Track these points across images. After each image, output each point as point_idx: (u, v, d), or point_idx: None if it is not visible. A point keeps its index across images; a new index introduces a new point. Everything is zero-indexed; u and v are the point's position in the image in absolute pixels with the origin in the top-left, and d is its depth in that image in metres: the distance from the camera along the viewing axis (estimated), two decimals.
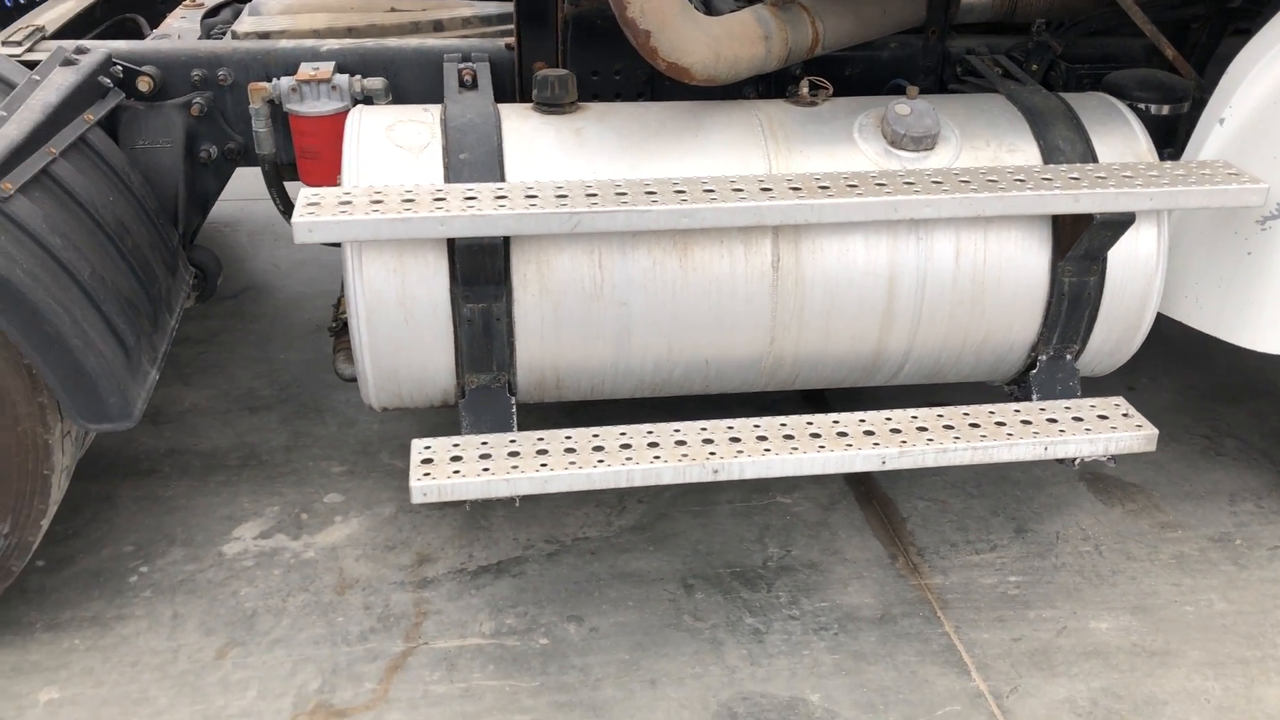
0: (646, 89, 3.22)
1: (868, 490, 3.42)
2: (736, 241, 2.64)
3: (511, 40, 3.18)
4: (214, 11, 3.70)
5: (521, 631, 2.86)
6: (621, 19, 2.60)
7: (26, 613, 2.86)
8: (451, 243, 2.54)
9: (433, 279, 2.57)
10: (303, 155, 3.07)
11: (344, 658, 2.76)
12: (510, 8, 3.49)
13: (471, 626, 2.87)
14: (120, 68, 2.96)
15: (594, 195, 2.47)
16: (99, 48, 2.94)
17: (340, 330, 3.18)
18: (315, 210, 2.37)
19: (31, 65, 2.83)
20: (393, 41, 3.17)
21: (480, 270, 2.52)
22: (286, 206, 3.23)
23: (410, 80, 3.13)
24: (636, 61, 3.17)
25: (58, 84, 2.68)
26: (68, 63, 2.81)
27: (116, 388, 2.42)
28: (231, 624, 2.86)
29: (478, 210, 2.39)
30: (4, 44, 2.97)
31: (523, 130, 2.71)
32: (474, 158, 2.61)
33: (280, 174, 3.15)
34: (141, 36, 3.84)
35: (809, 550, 3.16)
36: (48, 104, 2.57)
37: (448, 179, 2.58)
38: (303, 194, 2.45)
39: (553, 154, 2.67)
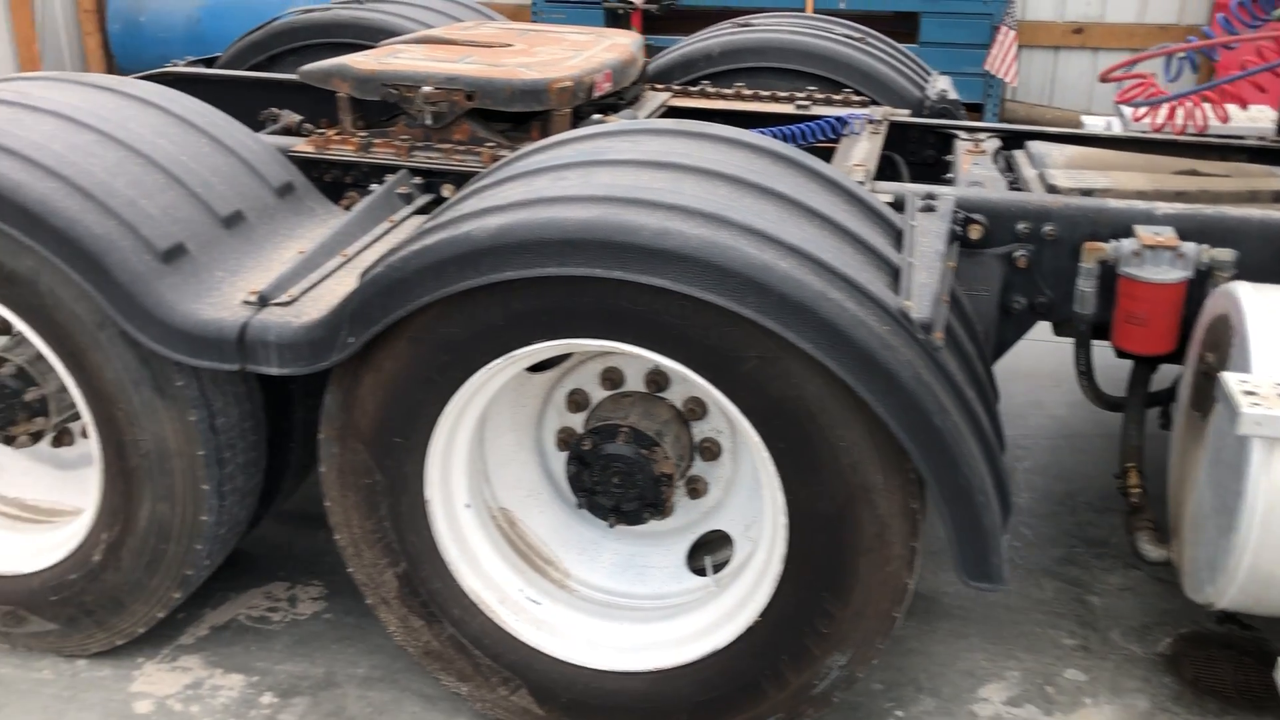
0: None
1: None
2: None
3: None
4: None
5: None
6: None
7: None
8: None
9: None
10: (1126, 320, 2.94)
11: None
12: None
13: None
14: (962, 215, 3.01)
15: None
16: (946, 194, 3.01)
17: (1137, 509, 3.00)
18: (1259, 402, 2.20)
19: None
20: (1235, 210, 2.98)
21: None
22: (1088, 367, 3.12)
23: (1253, 253, 2.91)
24: None
25: (933, 230, 2.75)
26: (927, 208, 2.89)
27: (999, 547, 2.38)
28: None
29: None
30: None
31: None
32: None
33: (1090, 334, 3.05)
34: (899, 178, 3.97)
35: None
36: (938, 251, 2.63)
37: None
38: (1232, 382, 2.29)
39: None
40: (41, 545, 3.10)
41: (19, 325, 2.75)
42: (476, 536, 2.81)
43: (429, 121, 3.39)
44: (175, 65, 4.81)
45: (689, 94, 4.33)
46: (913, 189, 3.07)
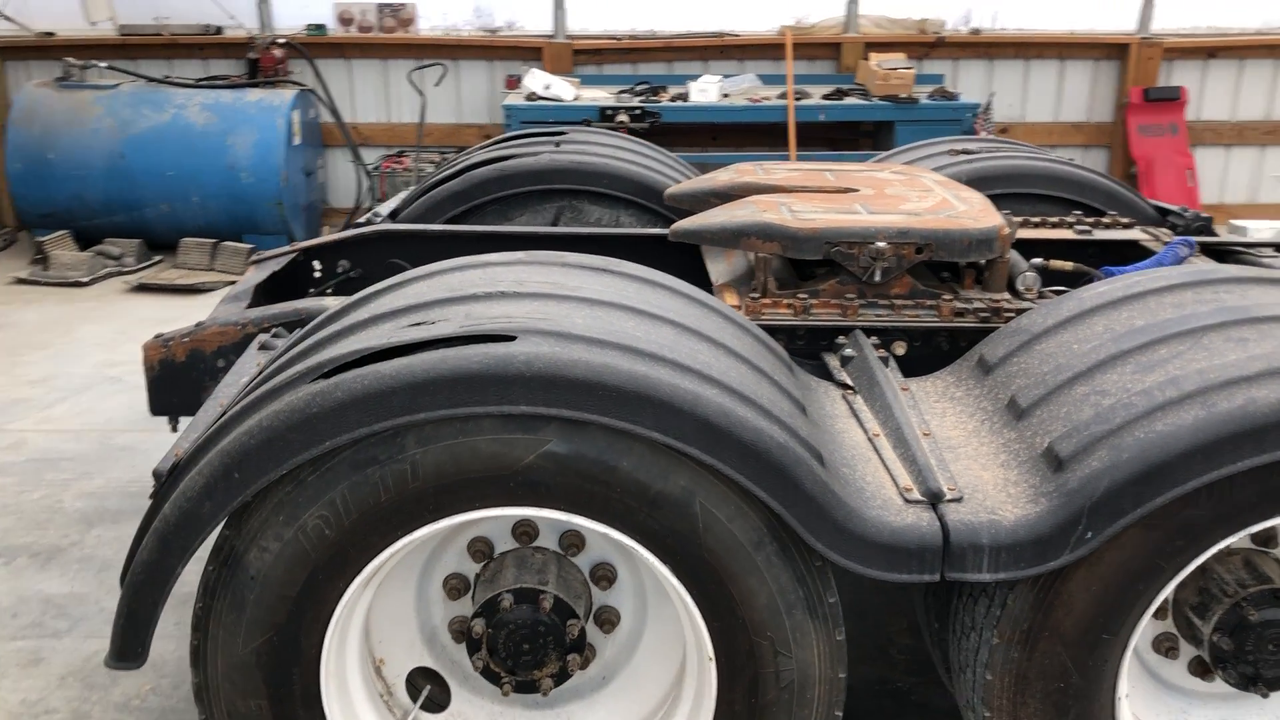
0: None
1: None
2: None
3: None
4: None
5: None
6: None
7: None
8: None
9: None
10: None
11: None
12: None
13: None
14: None
15: None
16: None
17: None
18: None
19: None
20: None
21: None
22: None
23: None
24: None
25: None
26: None
27: None
28: None
29: None
30: None
31: None
32: None
33: None
34: None
35: None
36: None
37: None
38: None
39: None
40: None
41: (648, 558, 2.34)
42: None
43: (878, 277, 3.19)
44: (374, 221, 4.34)
45: None
46: None
